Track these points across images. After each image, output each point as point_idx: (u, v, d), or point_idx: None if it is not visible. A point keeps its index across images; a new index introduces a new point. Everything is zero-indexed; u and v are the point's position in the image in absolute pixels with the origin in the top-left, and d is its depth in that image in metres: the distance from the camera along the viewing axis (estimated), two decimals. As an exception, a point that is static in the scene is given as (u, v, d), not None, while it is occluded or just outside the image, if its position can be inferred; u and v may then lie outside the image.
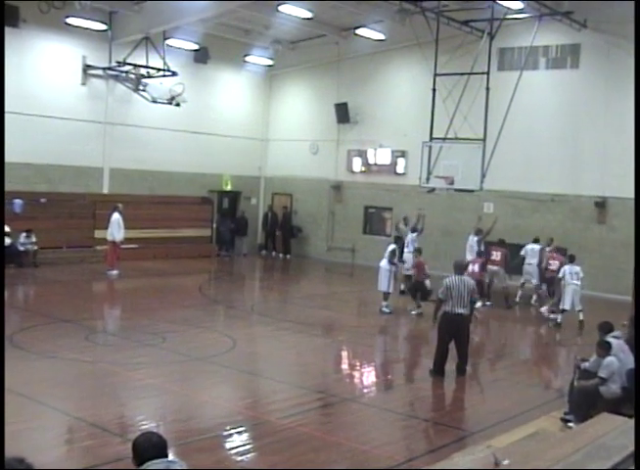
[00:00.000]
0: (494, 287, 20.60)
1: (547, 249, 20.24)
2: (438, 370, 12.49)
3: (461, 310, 12.41)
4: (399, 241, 19.60)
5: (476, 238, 20.83)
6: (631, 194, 21.32)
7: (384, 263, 18.28)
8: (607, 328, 10.51)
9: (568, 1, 21.91)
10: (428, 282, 18.13)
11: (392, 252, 18.42)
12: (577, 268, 17.83)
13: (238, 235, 29.44)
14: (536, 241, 21.01)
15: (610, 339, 10.06)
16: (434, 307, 13.13)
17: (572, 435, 8.30)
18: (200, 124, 28.09)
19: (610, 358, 9.72)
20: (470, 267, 18.50)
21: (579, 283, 17.68)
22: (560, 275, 17.85)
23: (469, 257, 20.26)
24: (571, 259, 18.14)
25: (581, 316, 17.47)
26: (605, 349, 9.85)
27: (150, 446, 4.73)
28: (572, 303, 17.58)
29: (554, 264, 19.12)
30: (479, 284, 18.09)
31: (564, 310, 17.72)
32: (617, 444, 6.46)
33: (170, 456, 4.93)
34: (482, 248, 20.59)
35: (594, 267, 19.24)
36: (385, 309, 18.14)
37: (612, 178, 22.35)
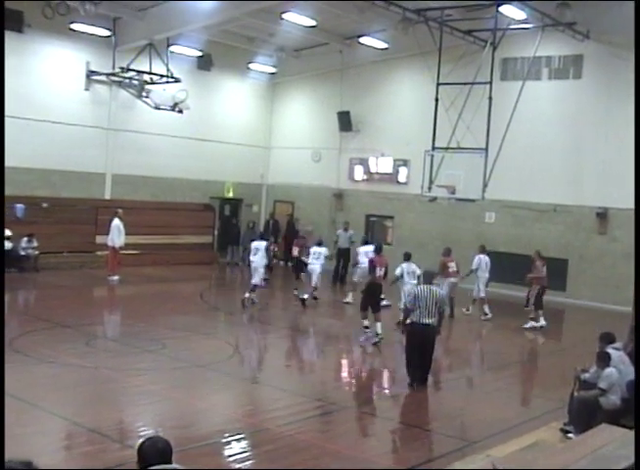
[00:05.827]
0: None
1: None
2: (413, 380, 12.30)
3: (428, 321, 12.26)
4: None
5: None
6: (632, 205, 21.50)
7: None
8: (608, 339, 10.47)
9: (567, 11, 21.94)
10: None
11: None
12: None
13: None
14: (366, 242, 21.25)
15: (610, 350, 10.04)
16: (403, 317, 13.01)
17: (572, 445, 8.31)
18: (202, 131, 28.12)
19: (610, 369, 9.71)
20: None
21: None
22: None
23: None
24: (407, 258, 17.74)
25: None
26: (604, 360, 9.84)
27: (155, 452, 4.71)
28: None
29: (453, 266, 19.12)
30: None
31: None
32: (616, 455, 6.46)
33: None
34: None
35: (595, 278, 19.17)
36: None
37: (613, 189, 22.37)
